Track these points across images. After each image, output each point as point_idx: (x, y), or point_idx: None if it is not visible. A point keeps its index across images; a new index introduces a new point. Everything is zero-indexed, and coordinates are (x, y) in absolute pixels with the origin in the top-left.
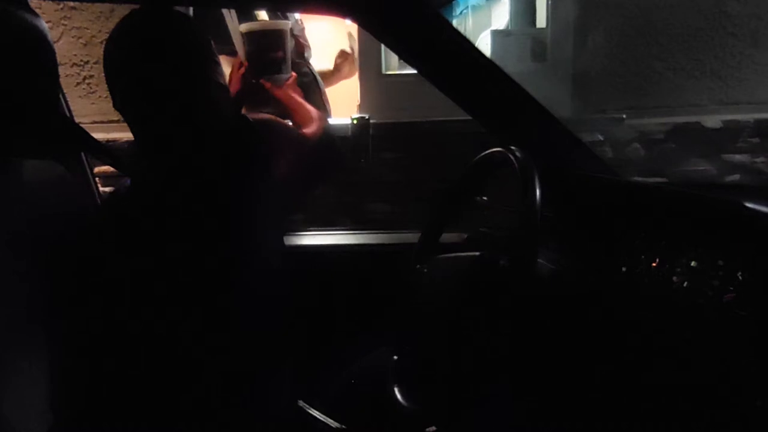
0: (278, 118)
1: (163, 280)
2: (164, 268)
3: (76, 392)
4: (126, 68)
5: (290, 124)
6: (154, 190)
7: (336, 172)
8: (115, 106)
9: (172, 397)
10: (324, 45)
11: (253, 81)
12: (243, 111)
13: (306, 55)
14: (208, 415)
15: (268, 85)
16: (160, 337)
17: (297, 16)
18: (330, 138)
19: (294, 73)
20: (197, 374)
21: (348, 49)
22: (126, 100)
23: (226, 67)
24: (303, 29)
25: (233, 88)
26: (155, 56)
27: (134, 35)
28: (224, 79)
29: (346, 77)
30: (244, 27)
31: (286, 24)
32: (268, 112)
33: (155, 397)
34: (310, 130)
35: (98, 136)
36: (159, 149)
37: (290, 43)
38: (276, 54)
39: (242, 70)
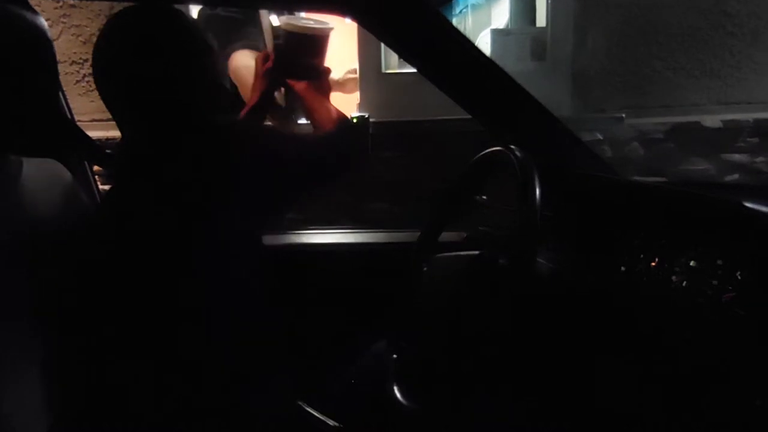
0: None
1: (162, 279)
2: (163, 267)
3: (76, 392)
4: (117, 66)
5: (288, 124)
6: (147, 189)
7: (346, 174)
8: (105, 104)
9: (172, 397)
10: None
11: (280, 80)
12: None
13: None
14: (208, 415)
15: (294, 84)
16: (160, 336)
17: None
18: (349, 140)
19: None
20: (197, 374)
21: None
22: (117, 99)
23: (249, 59)
24: None
25: (257, 84)
26: (146, 54)
27: (124, 33)
28: (220, 77)
29: (347, 92)
30: (286, 23)
31: (330, 29)
32: (287, 110)
33: (155, 397)
34: (327, 130)
35: (97, 134)
36: (154, 149)
37: None
38: (314, 60)
39: (268, 64)
